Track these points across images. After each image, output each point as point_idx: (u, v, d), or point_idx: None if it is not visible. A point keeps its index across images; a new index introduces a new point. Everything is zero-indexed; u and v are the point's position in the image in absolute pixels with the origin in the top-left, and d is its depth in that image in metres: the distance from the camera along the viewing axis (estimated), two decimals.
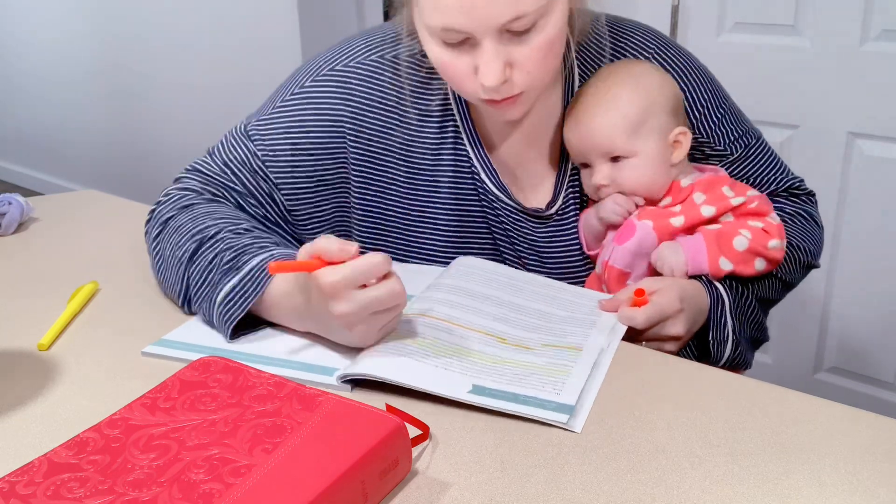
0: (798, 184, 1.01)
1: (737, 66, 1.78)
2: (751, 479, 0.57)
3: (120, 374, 0.73)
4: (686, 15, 1.84)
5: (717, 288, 0.87)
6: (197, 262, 0.82)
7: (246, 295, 0.77)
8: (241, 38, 2.65)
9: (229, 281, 0.78)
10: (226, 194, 0.92)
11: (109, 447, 0.55)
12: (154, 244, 0.89)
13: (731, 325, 0.87)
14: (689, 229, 0.88)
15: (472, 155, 0.91)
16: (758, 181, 0.97)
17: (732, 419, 0.65)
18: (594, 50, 0.92)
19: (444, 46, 0.79)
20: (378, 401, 0.67)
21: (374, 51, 0.92)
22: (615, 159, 0.88)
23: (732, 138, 0.95)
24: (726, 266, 0.86)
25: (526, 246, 0.94)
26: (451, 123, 0.91)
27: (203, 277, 0.81)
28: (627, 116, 0.86)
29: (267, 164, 0.91)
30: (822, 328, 1.86)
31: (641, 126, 0.86)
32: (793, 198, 1.01)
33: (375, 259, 0.68)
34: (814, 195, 1.03)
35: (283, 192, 0.92)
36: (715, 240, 0.86)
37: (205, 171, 0.93)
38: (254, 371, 0.63)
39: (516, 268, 0.94)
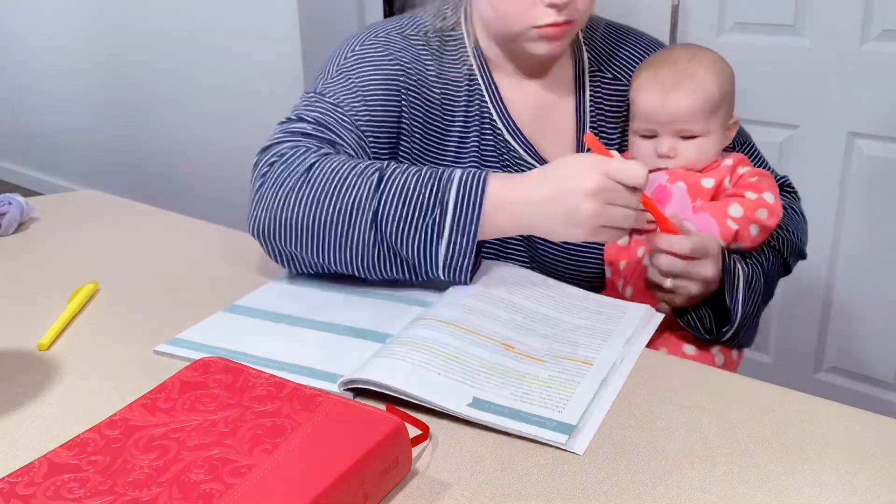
0: (787, 182, 1.08)
1: (737, 66, 1.78)
2: (751, 479, 0.57)
3: (120, 375, 0.73)
4: (686, 15, 1.84)
5: (733, 259, 0.89)
6: (389, 188, 0.80)
7: (473, 199, 0.79)
8: (242, 38, 2.65)
9: (451, 190, 0.79)
10: (330, 144, 0.90)
11: (109, 448, 0.55)
12: (298, 195, 0.82)
13: (742, 297, 0.89)
14: (716, 190, 0.94)
15: (497, 120, 0.97)
16: None
17: (732, 419, 0.65)
18: (600, 35, 1.01)
19: None
20: (378, 401, 0.67)
21: (405, 28, 0.98)
22: (685, 136, 0.93)
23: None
24: (733, 226, 0.91)
25: None
26: (476, 93, 0.97)
27: (406, 208, 0.80)
28: (711, 100, 0.92)
29: (348, 112, 0.92)
30: (822, 328, 1.86)
31: (717, 111, 0.93)
32: (783, 196, 1.05)
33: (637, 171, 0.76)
34: (797, 192, 1.09)
35: (368, 139, 0.93)
36: (715, 206, 0.92)
37: (300, 130, 0.90)
38: (254, 371, 0.63)
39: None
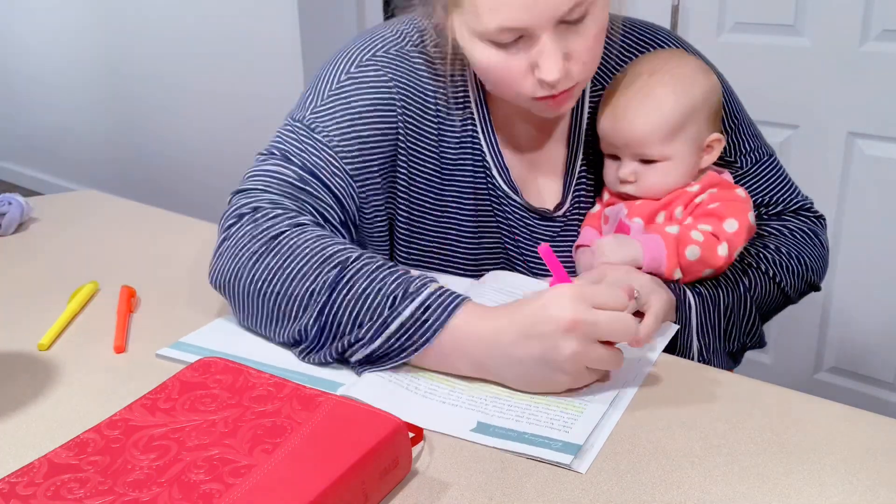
0: (808, 205, 0.99)
1: (737, 66, 1.78)
2: (751, 479, 0.57)
3: (120, 375, 0.73)
4: (686, 15, 1.84)
5: (684, 293, 0.83)
6: (343, 292, 0.72)
7: (432, 320, 0.69)
8: (242, 38, 2.65)
9: (405, 308, 0.69)
10: (310, 203, 0.83)
11: (109, 448, 0.55)
12: (255, 263, 0.76)
13: (697, 346, 0.84)
14: (668, 222, 0.87)
15: (485, 151, 0.91)
16: (764, 199, 0.96)
17: (732, 419, 0.65)
18: (617, 51, 0.92)
19: (496, 48, 0.77)
20: None
21: (405, 41, 0.89)
22: (645, 160, 0.86)
23: (743, 151, 0.95)
24: (677, 275, 0.84)
25: (530, 244, 0.94)
26: (469, 121, 0.91)
27: (357, 309, 0.71)
28: (668, 123, 0.84)
29: (339, 154, 0.85)
30: (822, 328, 1.86)
31: (679, 132, 0.85)
32: (801, 218, 0.98)
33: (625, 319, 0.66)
34: (823, 218, 1.00)
35: (356, 182, 0.86)
36: (675, 246, 0.83)
37: (283, 177, 0.83)
38: (254, 371, 0.63)
39: (522, 271, 0.94)
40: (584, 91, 0.92)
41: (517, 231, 0.93)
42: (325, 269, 0.73)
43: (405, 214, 0.92)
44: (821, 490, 0.56)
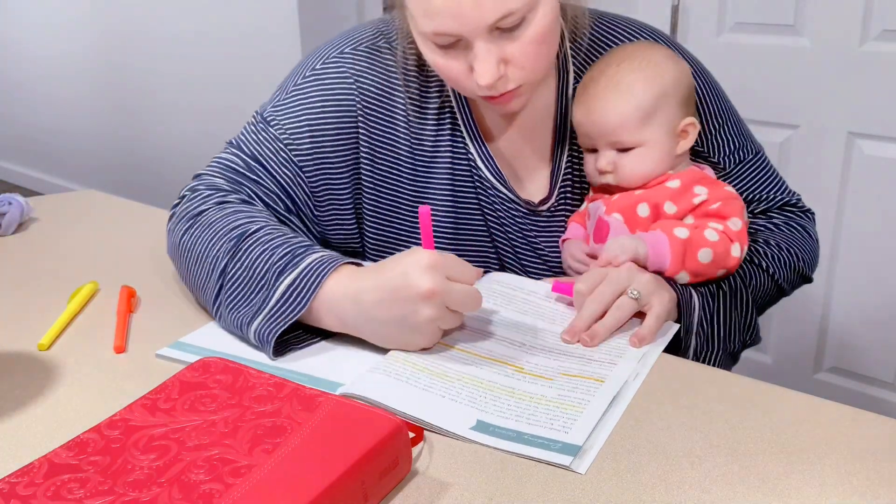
0: (794, 201, 0.99)
1: (737, 66, 1.79)
2: (751, 479, 0.57)
3: (120, 375, 0.73)
4: (686, 15, 1.84)
5: (688, 292, 0.83)
6: (239, 259, 0.79)
7: (305, 289, 0.74)
8: (242, 37, 2.66)
9: (284, 279, 0.75)
10: (253, 189, 0.89)
11: (109, 448, 0.55)
12: (182, 238, 0.86)
13: (699, 344, 0.84)
14: (654, 218, 0.87)
15: (469, 144, 0.92)
16: (751, 197, 0.96)
17: (732, 419, 0.65)
18: (587, 44, 0.93)
19: (438, 49, 0.80)
20: None
21: (379, 37, 0.93)
22: (621, 148, 0.87)
23: (727, 151, 0.95)
24: (684, 279, 0.84)
25: (520, 237, 0.94)
26: (448, 113, 0.92)
27: (247, 276, 0.78)
28: (639, 108, 0.85)
29: (289, 147, 0.90)
30: (822, 328, 1.86)
31: (651, 117, 0.85)
32: (788, 213, 0.98)
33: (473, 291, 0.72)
34: (811, 212, 1.01)
35: (307, 174, 0.90)
36: (682, 250, 0.82)
37: (230, 164, 0.91)
38: (254, 372, 0.63)
39: (511, 260, 0.95)
40: (566, 86, 0.93)
41: (507, 222, 0.93)
42: (227, 240, 0.81)
43: (372, 206, 0.94)
44: (821, 490, 0.56)
